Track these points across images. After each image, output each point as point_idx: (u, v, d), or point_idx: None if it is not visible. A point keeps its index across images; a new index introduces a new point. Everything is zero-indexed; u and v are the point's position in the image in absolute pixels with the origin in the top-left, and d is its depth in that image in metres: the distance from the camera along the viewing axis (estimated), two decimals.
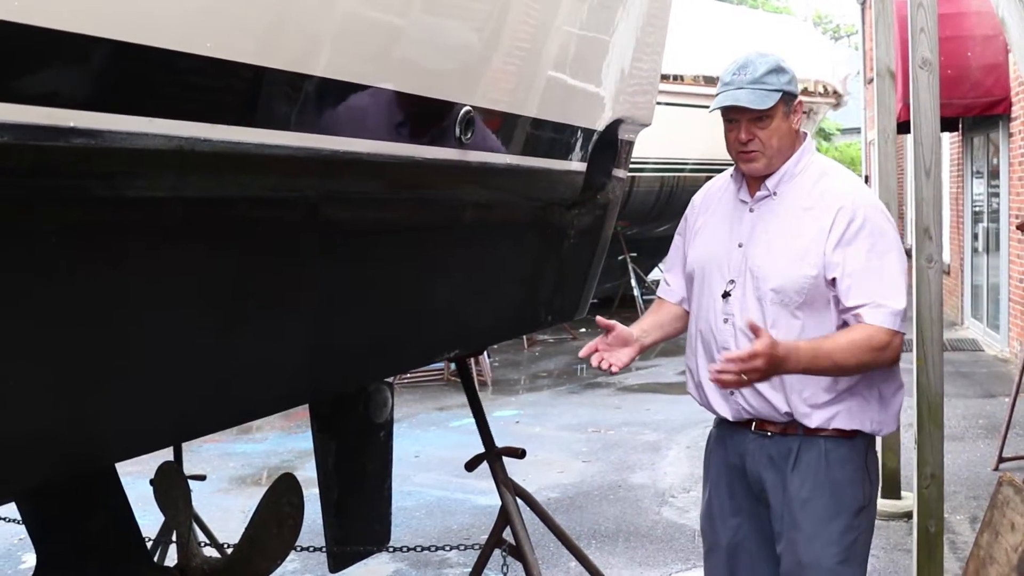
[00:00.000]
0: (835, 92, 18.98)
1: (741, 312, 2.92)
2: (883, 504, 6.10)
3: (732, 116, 2.93)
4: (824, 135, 31.39)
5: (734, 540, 3.09)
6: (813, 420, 2.90)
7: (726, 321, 2.97)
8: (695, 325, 3.11)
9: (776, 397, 2.90)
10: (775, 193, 2.98)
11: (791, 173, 2.97)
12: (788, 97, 2.92)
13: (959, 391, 9.51)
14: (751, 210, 3.01)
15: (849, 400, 2.90)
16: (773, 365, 2.69)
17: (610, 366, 3.01)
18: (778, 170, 2.97)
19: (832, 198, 2.90)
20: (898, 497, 6.22)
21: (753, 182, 3.02)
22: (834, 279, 2.85)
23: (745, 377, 2.68)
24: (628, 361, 3.07)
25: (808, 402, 2.89)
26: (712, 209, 3.15)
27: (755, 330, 2.70)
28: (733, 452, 3.06)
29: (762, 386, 2.89)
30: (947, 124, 6.01)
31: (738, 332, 2.93)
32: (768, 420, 2.96)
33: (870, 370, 2.86)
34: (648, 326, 3.23)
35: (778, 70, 2.90)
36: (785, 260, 2.89)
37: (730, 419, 3.03)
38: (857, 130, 25.50)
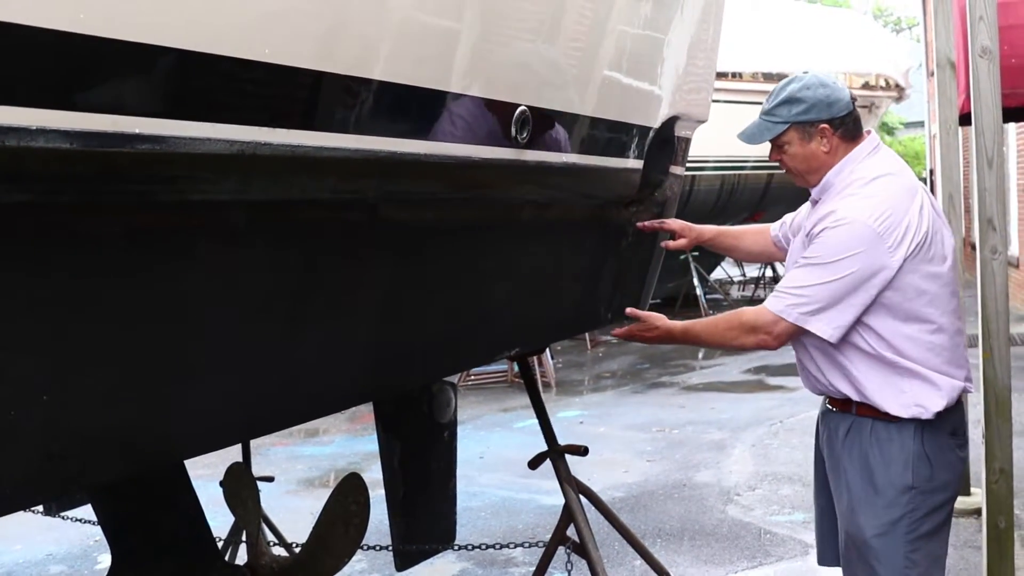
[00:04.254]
0: (897, 85, 18.77)
1: None
2: None
3: None
4: (887, 129, 31.00)
5: (821, 506, 3.37)
6: (860, 400, 3.08)
7: None
8: None
9: (825, 376, 3.13)
10: (818, 200, 3.18)
11: (831, 183, 3.13)
12: (801, 125, 3.10)
13: None
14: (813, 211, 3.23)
15: (888, 384, 3.03)
16: (662, 332, 3.35)
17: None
18: (821, 182, 3.16)
19: (827, 210, 3.05)
20: (967, 493, 6.14)
21: None
22: None
23: (637, 332, 3.39)
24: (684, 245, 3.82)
25: (855, 383, 3.07)
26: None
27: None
28: (820, 424, 3.32)
29: (813, 368, 3.17)
30: (1013, 114, 5.88)
31: None
32: (832, 396, 3.18)
33: (744, 347, 3.22)
34: (727, 230, 3.87)
35: (791, 101, 3.10)
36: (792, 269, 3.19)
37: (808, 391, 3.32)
38: (921, 123, 25.17)
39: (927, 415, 3.01)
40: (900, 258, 2.93)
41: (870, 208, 2.96)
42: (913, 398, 3.01)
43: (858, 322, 3.00)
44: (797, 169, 3.18)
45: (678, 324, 3.36)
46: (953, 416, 3.09)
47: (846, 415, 3.12)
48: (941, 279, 3.03)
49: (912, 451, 3.02)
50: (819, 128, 3.09)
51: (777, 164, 3.26)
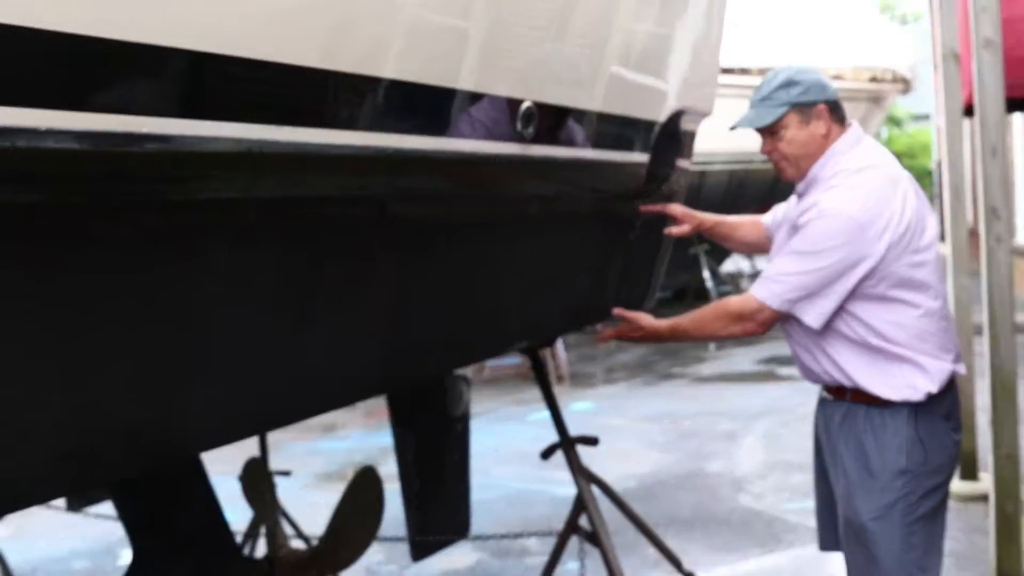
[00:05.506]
0: (903, 78, 18.69)
1: None
2: (960, 486, 6.07)
3: (757, 132, 3.23)
4: (895, 122, 30.77)
5: (821, 494, 3.40)
6: (853, 387, 3.12)
7: None
8: None
9: (819, 364, 3.18)
10: (802, 195, 3.22)
11: (816, 176, 3.16)
12: (801, 107, 3.12)
13: None
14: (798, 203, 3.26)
15: (877, 369, 3.08)
16: (648, 332, 3.36)
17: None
18: (807, 175, 3.18)
19: (812, 202, 3.09)
20: (975, 478, 6.17)
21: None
22: None
23: (625, 333, 3.40)
24: (686, 231, 3.76)
25: (844, 370, 3.11)
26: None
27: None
28: (817, 412, 3.35)
29: (807, 358, 3.21)
30: (1017, 105, 5.87)
31: None
32: (826, 384, 3.23)
33: (731, 336, 3.26)
34: (724, 219, 3.79)
35: (788, 84, 3.13)
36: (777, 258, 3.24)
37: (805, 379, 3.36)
38: (929, 116, 25.04)
39: (918, 396, 3.07)
40: (883, 248, 3.00)
41: (853, 199, 3.03)
42: (903, 380, 3.07)
43: (844, 310, 3.07)
44: (793, 155, 3.17)
45: (664, 322, 3.39)
46: (946, 400, 3.14)
47: (840, 403, 3.18)
48: (927, 266, 3.09)
49: (906, 436, 3.07)
50: (817, 109, 3.13)
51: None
